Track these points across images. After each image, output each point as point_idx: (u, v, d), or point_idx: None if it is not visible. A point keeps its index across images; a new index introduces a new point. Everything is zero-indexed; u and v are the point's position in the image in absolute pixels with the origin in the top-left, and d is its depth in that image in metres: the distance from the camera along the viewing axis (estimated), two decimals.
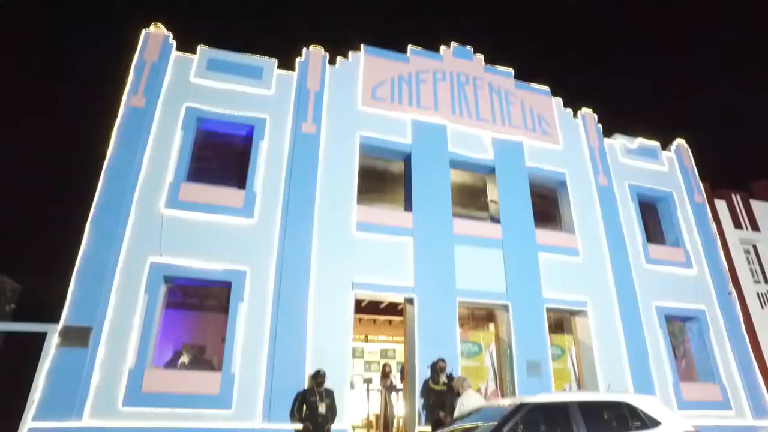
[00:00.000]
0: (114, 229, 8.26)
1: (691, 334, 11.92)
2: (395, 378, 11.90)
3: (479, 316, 11.21)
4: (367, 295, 9.66)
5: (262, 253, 8.83)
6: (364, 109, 10.72)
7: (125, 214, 8.43)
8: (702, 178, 13.72)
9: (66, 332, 7.48)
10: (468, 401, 7.27)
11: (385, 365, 12.42)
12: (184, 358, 9.24)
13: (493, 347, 10.37)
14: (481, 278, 9.96)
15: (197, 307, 10.67)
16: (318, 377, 7.85)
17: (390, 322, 14.07)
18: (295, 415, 7.84)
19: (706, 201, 13.30)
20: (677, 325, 12.03)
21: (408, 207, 10.30)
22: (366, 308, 12.43)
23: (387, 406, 11.61)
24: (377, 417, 12.06)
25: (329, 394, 7.88)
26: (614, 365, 10.26)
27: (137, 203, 8.58)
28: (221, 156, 10.23)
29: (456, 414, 7.14)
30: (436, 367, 8.50)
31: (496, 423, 5.27)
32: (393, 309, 12.61)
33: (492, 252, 10.33)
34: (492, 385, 9.97)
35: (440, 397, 8.19)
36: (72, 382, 7.24)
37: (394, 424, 11.40)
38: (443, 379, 8.40)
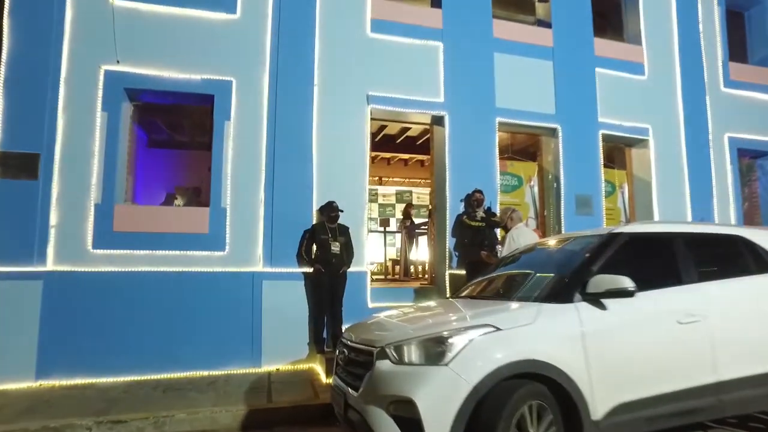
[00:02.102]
0: (46, 24, 6.15)
1: (761, 172, 10.28)
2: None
3: (520, 143, 9.45)
4: (386, 113, 7.67)
5: (251, 59, 6.78)
6: None
7: (59, 4, 6.24)
8: None
9: (6, 160, 5.88)
10: (521, 237, 5.78)
11: (408, 205, 11.09)
12: (179, 202, 8.22)
13: (535, 180, 8.79)
14: (525, 95, 8.00)
15: (188, 145, 9.42)
16: (330, 210, 6.30)
17: (406, 162, 12.47)
18: (303, 256, 6.46)
19: None
20: (745, 161, 10.33)
21: (436, 2, 7.96)
22: (380, 144, 10.71)
23: (407, 250, 10.49)
24: (394, 262, 11.09)
25: (344, 231, 6.41)
26: (674, 204, 8.77)
27: None
28: None
29: (505, 252, 5.69)
30: (472, 200, 6.93)
31: (572, 268, 3.72)
32: (410, 145, 10.87)
33: (540, 63, 8.19)
34: (532, 224, 8.56)
35: (478, 234, 6.71)
36: (25, 221, 5.85)
37: (412, 270, 10.41)
38: (480, 213, 6.88)
